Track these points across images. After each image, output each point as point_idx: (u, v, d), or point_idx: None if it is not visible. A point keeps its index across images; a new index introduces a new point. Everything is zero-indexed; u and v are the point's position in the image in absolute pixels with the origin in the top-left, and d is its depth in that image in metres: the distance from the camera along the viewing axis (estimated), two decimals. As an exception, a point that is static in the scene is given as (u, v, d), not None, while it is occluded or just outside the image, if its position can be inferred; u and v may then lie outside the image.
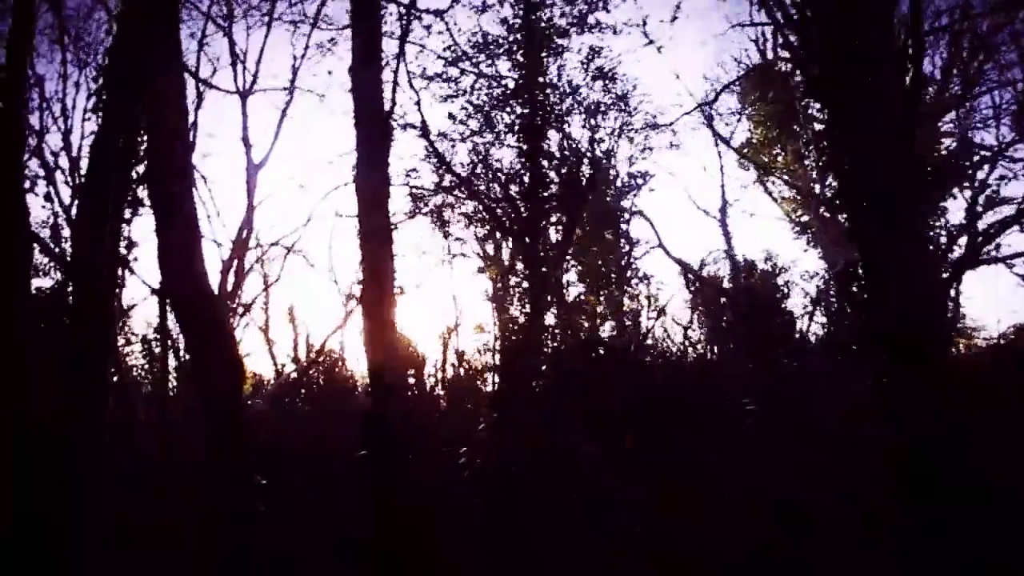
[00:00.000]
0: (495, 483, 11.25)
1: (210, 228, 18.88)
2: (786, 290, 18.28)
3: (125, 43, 10.40)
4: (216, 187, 29.34)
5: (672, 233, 44.66)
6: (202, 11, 18.07)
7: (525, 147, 15.81)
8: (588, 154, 16.79)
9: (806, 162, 19.84)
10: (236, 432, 8.54)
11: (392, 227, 10.29)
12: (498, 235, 18.34)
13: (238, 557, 8.17)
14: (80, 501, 8.98)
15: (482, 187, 16.41)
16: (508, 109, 16.12)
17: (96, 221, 10.04)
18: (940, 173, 14.17)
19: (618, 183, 18.90)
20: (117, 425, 12.43)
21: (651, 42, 15.40)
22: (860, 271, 10.61)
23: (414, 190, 16.80)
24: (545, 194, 15.97)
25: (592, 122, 16.76)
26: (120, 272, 15.31)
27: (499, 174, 16.22)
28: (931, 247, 13.61)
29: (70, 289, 12.15)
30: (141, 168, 11.69)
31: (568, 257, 17.74)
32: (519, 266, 16.27)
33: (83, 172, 15.00)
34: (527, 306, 15.41)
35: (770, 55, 19.22)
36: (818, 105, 11.45)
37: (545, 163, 16.06)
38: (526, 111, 15.89)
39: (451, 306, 20.42)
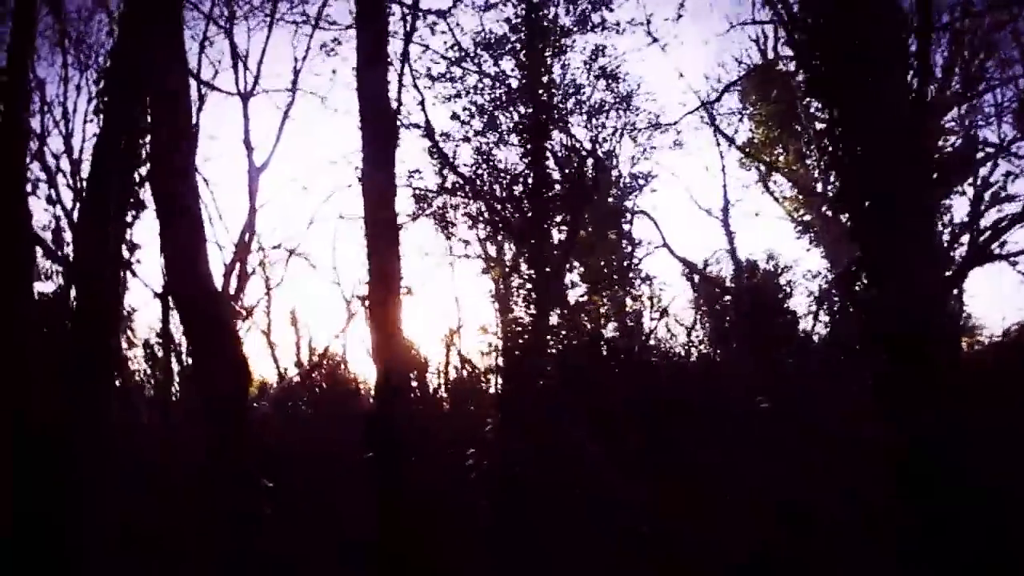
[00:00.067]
0: (501, 484, 11.24)
1: (212, 231, 19.01)
2: (789, 290, 18.19)
3: (126, 44, 10.41)
4: (218, 190, 29.24)
5: (674, 233, 44.32)
6: (203, 12, 18.15)
7: (528, 147, 15.77)
8: (591, 154, 16.79)
9: (808, 161, 19.82)
10: (238, 432, 8.54)
11: (399, 227, 10.25)
12: (501, 236, 18.31)
13: (239, 557, 8.17)
14: (80, 501, 8.96)
15: (485, 187, 16.40)
16: (511, 109, 16.11)
17: (98, 223, 10.04)
18: (944, 169, 14.11)
19: (621, 183, 18.89)
20: (120, 428, 12.42)
21: (655, 40, 15.43)
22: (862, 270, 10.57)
23: (417, 191, 16.80)
24: (549, 194, 15.94)
25: (595, 122, 16.77)
26: (122, 275, 15.31)
27: (503, 174, 16.19)
28: (934, 245, 13.55)
29: (73, 293, 12.16)
30: (143, 170, 11.70)
31: (571, 257, 17.70)
32: (522, 267, 16.22)
33: (85, 175, 15.05)
34: (531, 307, 15.36)
35: (771, 55, 19.23)
36: (819, 104, 11.41)
37: (549, 163, 16.05)
38: (530, 111, 15.87)
39: (454, 308, 20.44)
